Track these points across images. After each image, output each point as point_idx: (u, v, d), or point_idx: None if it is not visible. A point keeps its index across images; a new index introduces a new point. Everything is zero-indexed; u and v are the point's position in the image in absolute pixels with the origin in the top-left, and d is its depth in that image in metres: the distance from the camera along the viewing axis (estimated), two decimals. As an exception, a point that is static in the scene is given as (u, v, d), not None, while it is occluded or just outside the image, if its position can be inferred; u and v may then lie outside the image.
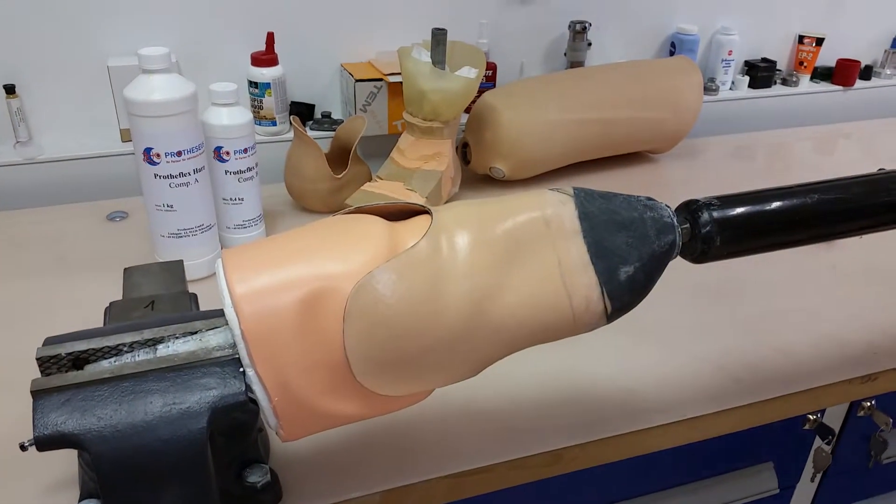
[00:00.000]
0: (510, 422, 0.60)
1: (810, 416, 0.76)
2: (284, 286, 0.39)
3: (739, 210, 0.52)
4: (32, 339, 0.66)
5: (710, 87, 1.30)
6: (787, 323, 0.75)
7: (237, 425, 0.50)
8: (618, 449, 0.61)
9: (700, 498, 0.76)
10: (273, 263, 0.40)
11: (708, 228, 0.50)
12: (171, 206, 0.73)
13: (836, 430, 0.80)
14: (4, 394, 0.61)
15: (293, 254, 0.41)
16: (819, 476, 0.83)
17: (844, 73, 1.39)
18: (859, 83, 1.41)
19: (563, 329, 0.45)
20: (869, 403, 0.79)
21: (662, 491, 0.74)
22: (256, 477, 0.49)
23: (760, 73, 1.34)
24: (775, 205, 0.54)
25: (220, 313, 0.44)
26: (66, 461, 0.54)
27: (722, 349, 0.70)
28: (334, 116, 1.09)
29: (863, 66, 1.41)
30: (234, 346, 0.41)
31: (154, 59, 0.69)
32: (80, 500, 0.47)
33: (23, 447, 0.42)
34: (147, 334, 0.41)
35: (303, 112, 1.07)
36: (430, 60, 0.88)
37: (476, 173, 1.02)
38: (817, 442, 0.80)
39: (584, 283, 0.44)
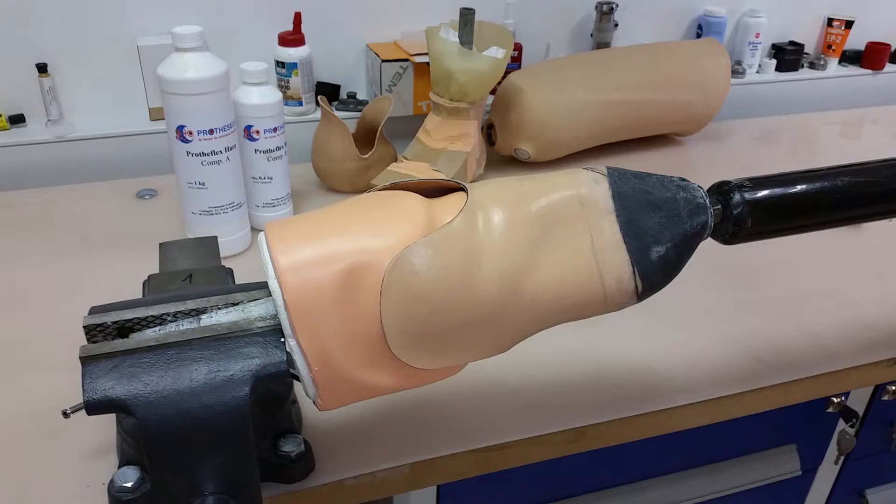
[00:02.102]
0: (535, 399, 0.61)
1: (834, 399, 0.76)
2: (326, 259, 0.40)
3: (771, 192, 0.52)
4: (64, 316, 0.68)
5: (736, 70, 1.29)
6: (813, 305, 0.75)
7: (272, 397, 0.51)
8: (640, 428, 0.62)
9: (722, 479, 0.77)
10: (315, 237, 0.41)
11: (740, 210, 0.50)
12: (203, 184, 0.74)
13: (861, 413, 0.80)
14: (38, 367, 0.63)
15: (334, 228, 0.42)
16: (842, 459, 0.84)
17: (874, 56, 1.37)
18: (889, 67, 1.39)
19: (594, 307, 0.46)
20: (894, 387, 0.78)
21: (684, 471, 0.75)
22: (291, 447, 0.51)
23: (788, 56, 1.32)
24: (806, 187, 0.54)
25: (260, 286, 0.45)
26: (103, 429, 0.56)
27: (747, 331, 0.71)
28: (360, 97, 1.10)
29: (893, 49, 1.39)
30: (275, 316, 0.42)
31: (187, 38, 0.70)
32: (119, 467, 0.49)
33: (65, 414, 0.44)
34: (190, 304, 0.42)
35: (328, 92, 1.08)
36: (457, 40, 0.88)
37: (501, 155, 1.03)
38: (841, 425, 0.80)
39: (617, 263, 0.44)
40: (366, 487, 0.54)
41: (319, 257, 0.40)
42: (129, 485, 0.47)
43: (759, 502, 0.82)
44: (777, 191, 0.53)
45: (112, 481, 0.47)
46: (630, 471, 0.73)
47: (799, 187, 0.54)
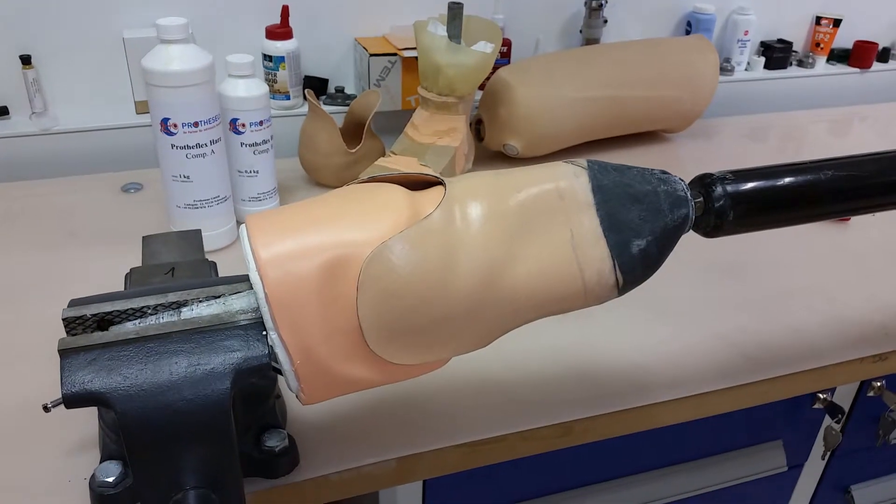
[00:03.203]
0: (522, 394, 0.61)
1: (820, 395, 0.76)
2: (307, 252, 0.40)
3: (753, 185, 0.52)
4: (48, 309, 0.67)
5: (725, 68, 1.29)
6: (800, 301, 0.75)
7: (256, 391, 0.51)
8: (627, 423, 0.62)
9: (708, 475, 0.77)
10: (296, 229, 0.41)
11: (721, 202, 0.50)
12: (188, 177, 0.74)
13: (846, 409, 0.81)
14: (21, 361, 0.62)
15: (316, 220, 0.41)
16: (828, 455, 0.84)
17: (862, 54, 1.37)
18: (876, 65, 1.40)
19: (574, 301, 0.46)
20: (879, 383, 0.79)
21: (671, 466, 0.75)
22: (275, 441, 0.50)
23: (776, 53, 1.33)
24: (788, 180, 0.54)
25: (242, 278, 0.44)
26: (86, 423, 0.55)
27: (733, 326, 0.71)
28: (347, 91, 1.09)
29: (880, 48, 1.39)
30: (257, 310, 0.42)
31: (172, 30, 0.69)
32: (101, 462, 0.48)
33: (46, 408, 0.43)
34: (171, 297, 0.41)
35: (316, 86, 1.07)
36: (445, 34, 0.87)
37: (489, 150, 1.02)
38: (827, 421, 0.80)
39: (597, 256, 0.44)
40: (351, 482, 0.54)
41: (301, 250, 0.40)
42: (110, 479, 0.47)
43: (746, 498, 0.82)
44: (759, 184, 0.53)
45: (94, 476, 0.47)
46: (616, 467, 0.73)
47: (782, 180, 0.54)
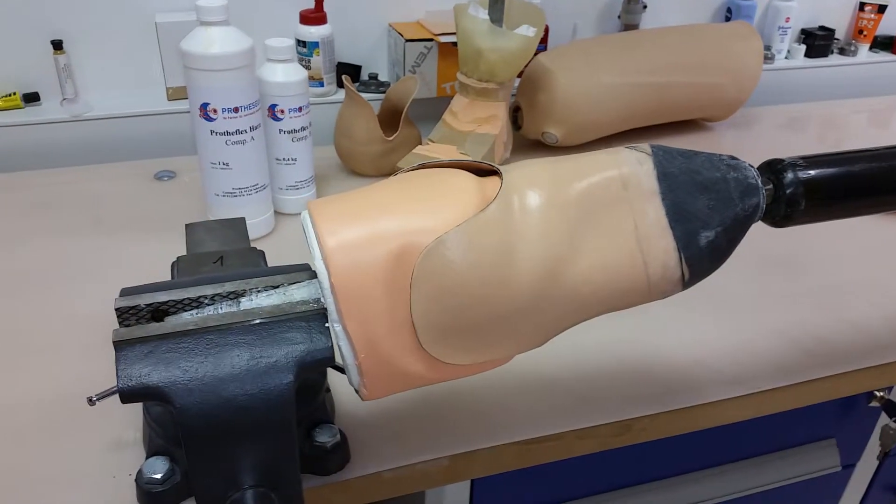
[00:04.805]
0: (579, 391, 0.59)
1: (877, 393, 0.73)
2: (375, 239, 0.38)
3: (826, 171, 0.50)
4: (82, 300, 0.66)
5: (765, 56, 1.25)
6: (859, 296, 0.72)
7: (308, 385, 0.49)
8: (688, 421, 0.60)
9: (760, 474, 0.74)
10: (363, 216, 0.39)
11: (793, 189, 0.48)
12: (227, 165, 0.72)
13: (904, 408, 0.78)
14: (55, 352, 0.60)
15: (382, 207, 0.39)
16: (883, 455, 0.81)
17: (906, 42, 1.33)
18: (921, 54, 1.36)
19: (637, 296, 0.43)
20: (939, 382, 0.76)
21: (722, 465, 0.73)
22: (326, 437, 0.48)
23: (818, 41, 1.29)
24: (862, 167, 0.52)
25: (300, 267, 0.42)
26: (127, 417, 0.54)
27: (791, 321, 0.68)
28: (381, 78, 1.07)
29: (926, 35, 1.35)
30: (318, 300, 0.40)
31: (213, 11, 0.67)
32: (147, 458, 0.47)
33: (91, 401, 0.41)
34: (228, 287, 0.39)
35: (349, 73, 1.05)
36: (487, 18, 0.85)
37: (527, 139, 1.00)
38: (883, 419, 0.77)
39: (662, 248, 0.42)
40: (403, 480, 0.52)
41: (369, 237, 0.38)
42: (158, 476, 0.45)
43: (795, 498, 0.79)
44: (832, 170, 0.50)
45: (140, 472, 0.45)
46: (665, 466, 0.71)
47: (854, 167, 0.51)
